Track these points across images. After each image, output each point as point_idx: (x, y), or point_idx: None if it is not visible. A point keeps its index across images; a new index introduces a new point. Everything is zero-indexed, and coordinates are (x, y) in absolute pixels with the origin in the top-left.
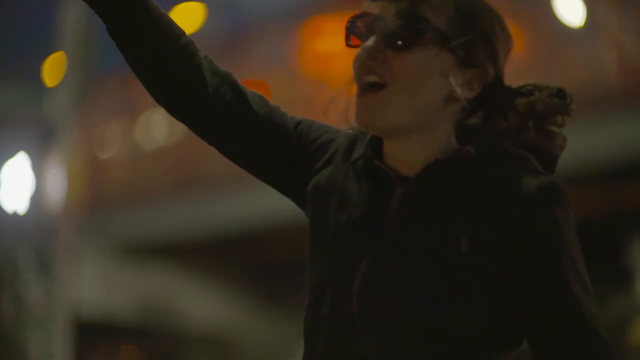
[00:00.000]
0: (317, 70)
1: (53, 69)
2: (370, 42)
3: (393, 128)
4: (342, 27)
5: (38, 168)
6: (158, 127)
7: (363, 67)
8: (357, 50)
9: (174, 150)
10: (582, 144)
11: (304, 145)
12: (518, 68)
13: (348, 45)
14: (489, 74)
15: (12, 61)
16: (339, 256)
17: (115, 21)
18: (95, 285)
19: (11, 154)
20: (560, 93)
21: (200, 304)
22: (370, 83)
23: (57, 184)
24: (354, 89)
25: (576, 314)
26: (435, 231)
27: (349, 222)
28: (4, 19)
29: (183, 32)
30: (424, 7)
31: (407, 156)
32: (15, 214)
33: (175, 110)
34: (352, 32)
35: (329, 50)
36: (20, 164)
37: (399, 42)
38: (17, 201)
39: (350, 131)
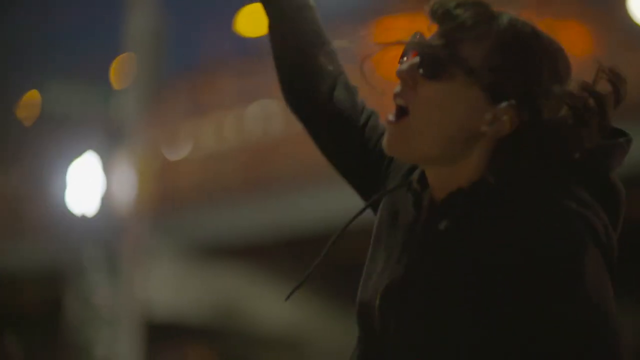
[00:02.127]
0: (389, 69)
1: (121, 70)
2: (405, 65)
3: (414, 157)
4: (414, 26)
5: (106, 168)
6: (229, 127)
7: (396, 88)
8: None
9: (244, 151)
10: None
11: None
12: (587, 68)
13: (400, 63)
14: (522, 113)
15: (81, 63)
16: (377, 273)
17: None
18: (166, 287)
19: (79, 154)
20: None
21: (271, 304)
22: (398, 106)
23: (126, 185)
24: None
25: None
26: (443, 262)
27: (389, 243)
28: (72, 22)
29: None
30: (463, 37)
31: (439, 184)
32: (82, 214)
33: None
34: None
35: (401, 50)
36: (88, 164)
37: (426, 71)
38: (85, 201)
39: None
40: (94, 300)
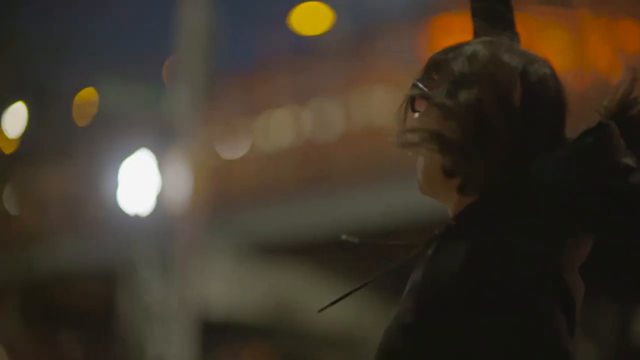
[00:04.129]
0: None
1: (175, 68)
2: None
3: (422, 191)
4: (469, 25)
5: (159, 167)
6: (284, 126)
7: None
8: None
9: (300, 149)
10: None
11: None
12: None
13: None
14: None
15: (134, 61)
16: None
17: None
18: (221, 285)
19: (132, 153)
20: None
21: (326, 303)
22: None
23: (179, 183)
24: None
25: None
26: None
27: None
28: (125, 21)
29: None
30: (435, 74)
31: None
32: (136, 213)
33: None
34: None
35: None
36: (142, 162)
37: (410, 108)
38: (139, 199)
39: None
40: (148, 298)
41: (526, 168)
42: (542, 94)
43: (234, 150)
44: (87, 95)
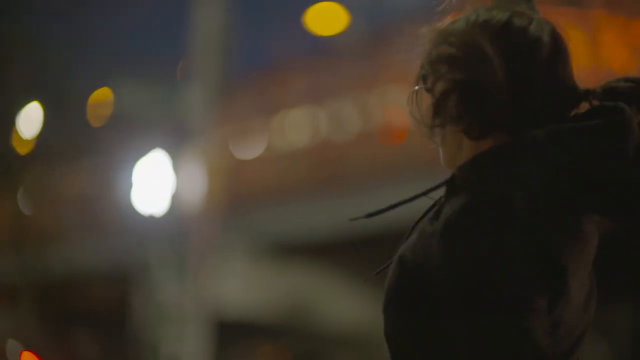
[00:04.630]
0: None
1: (189, 68)
2: None
3: (444, 165)
4: None
5: (174, 167)
6: (300, 126)
7: None
8: None
9: (316, 148)
10: None
11: None
12: None
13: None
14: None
15: (149, 62)
16: None
17: None
18: (236, 285)
19: (146, 153)
20: None
21: (342, 302)
22: None
23: (193, 183)
24: None
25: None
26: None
27: None
28: (140, 21)
29: None
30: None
31: None
32: (151, 213)
33: None
34: None
35: None
36: (155, 162)
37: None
38: (152, 200)
39: None
40: (162, 298)
41: (528, 131)
42: (528, 41)
43: (249, 150)
44: (102, 95)
